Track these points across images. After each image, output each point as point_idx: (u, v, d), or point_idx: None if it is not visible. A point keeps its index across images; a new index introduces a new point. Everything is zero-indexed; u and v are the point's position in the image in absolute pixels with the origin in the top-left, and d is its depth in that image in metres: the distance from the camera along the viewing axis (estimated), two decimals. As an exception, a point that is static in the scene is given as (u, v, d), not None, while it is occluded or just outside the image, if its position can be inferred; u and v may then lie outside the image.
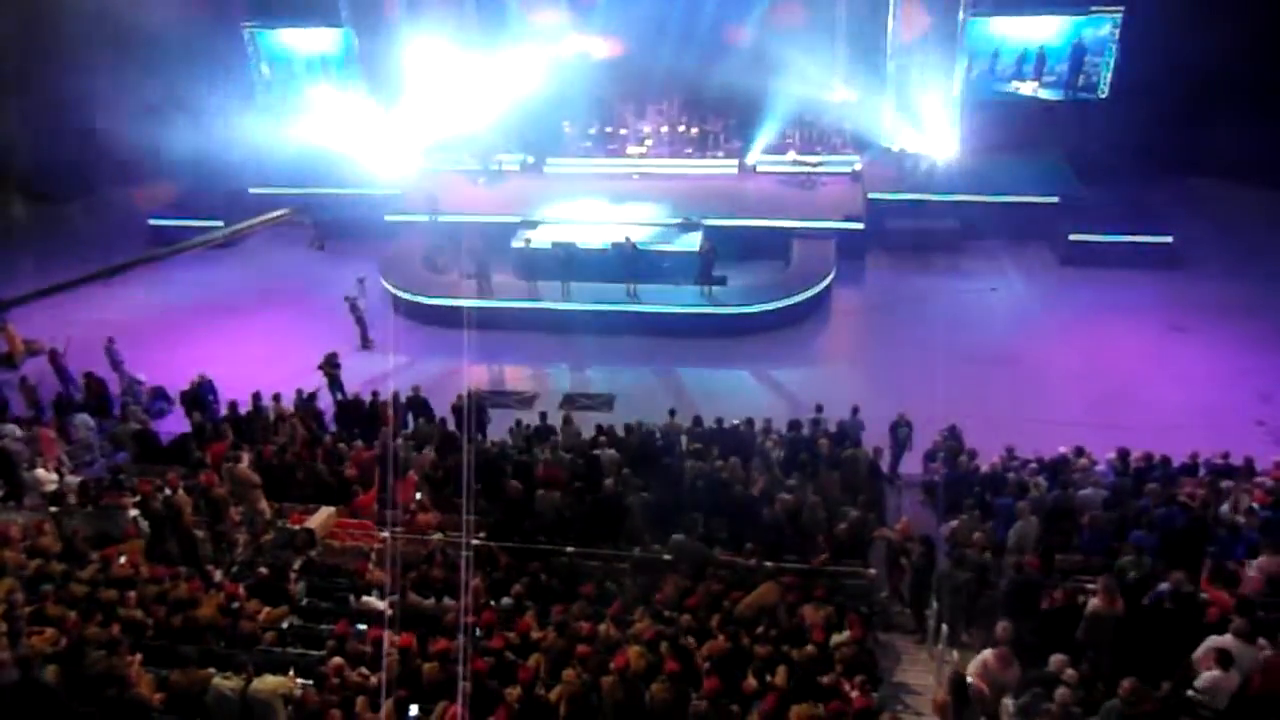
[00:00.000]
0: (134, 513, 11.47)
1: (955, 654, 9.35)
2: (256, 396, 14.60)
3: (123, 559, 10.48)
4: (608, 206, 22.60)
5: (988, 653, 8.33)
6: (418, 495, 11.80)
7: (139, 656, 8.68)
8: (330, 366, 16.00)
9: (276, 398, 14.71)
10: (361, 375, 16.56)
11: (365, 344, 18.77)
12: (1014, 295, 19.68)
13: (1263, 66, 20.56)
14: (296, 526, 11.29)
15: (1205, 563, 9.74)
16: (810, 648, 8.41)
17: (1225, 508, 10.66)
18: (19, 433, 13.88)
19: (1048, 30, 23.18)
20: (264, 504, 11.88)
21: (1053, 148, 23.63)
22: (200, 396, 15.34)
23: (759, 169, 24.38)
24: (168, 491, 11.60)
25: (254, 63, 26.43)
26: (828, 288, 20.02)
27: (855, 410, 13.32)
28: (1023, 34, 23.29)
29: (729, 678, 8.08)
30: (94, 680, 8.21)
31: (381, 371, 16.73)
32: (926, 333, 18.08)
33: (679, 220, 21.57)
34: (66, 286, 19.43)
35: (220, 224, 23.29)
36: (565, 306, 19.48)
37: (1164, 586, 8.95)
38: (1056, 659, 8.08)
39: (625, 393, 16.89)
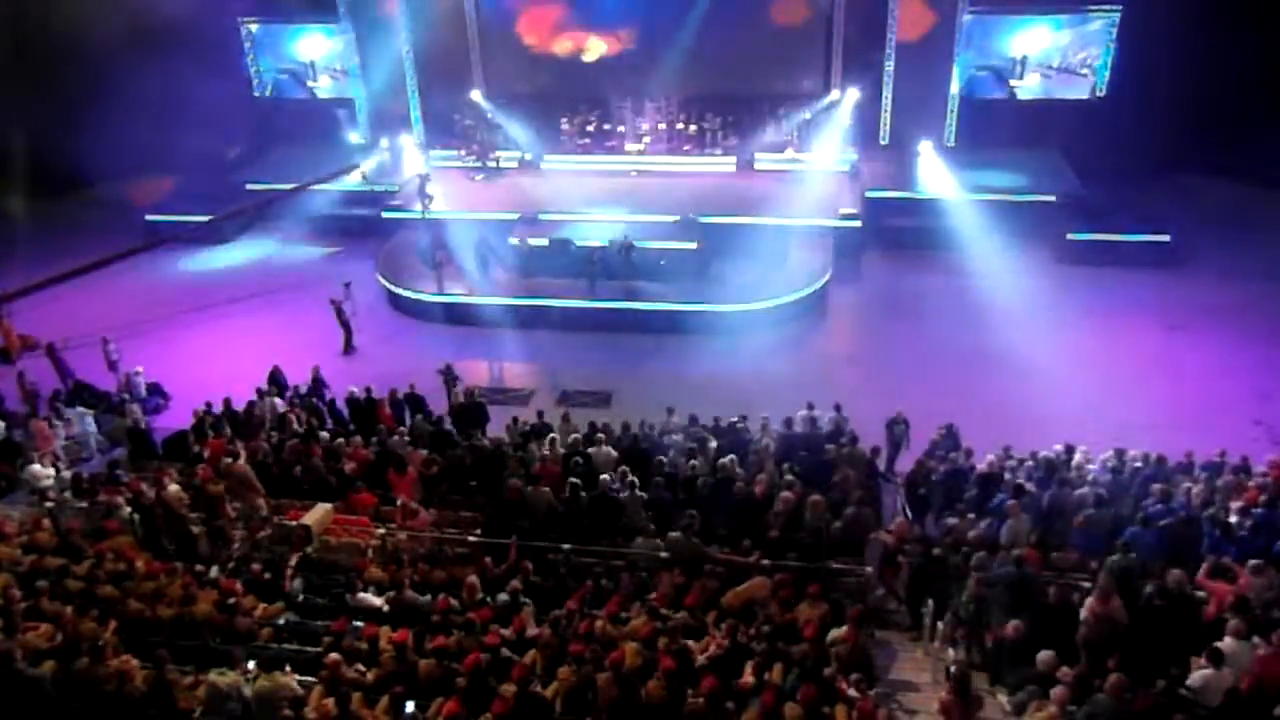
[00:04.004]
0: (127, 510, 11.44)
1: (951, 652, 9.36)
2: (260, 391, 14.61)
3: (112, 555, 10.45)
4: (605, 203, 22.56)
5: None
6: (399, 501, 11.72)
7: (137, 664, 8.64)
8: (450, 374, 15.99)
9: (265, 394, 14.72)
10: (357, 373, 16.50)
11: (349, 348, 18.71)
12: (1011, 293, 19.66)
13: (1261, 65, 20.58)
14: (293, 522, 11.27)
15: (1202, 562, 9.73)
16: (805, 645, 8.41)
17: (1220, 507, 10.66)
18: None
19: (1046, 29, 23.20)
20: (261, 501, 11.85)
21: (1050, 146, 23.63)
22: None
23: (757, 166, 24.37)
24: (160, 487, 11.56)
25: (251, 59, 26.38)
26: (824, 286, 20.01)
27: (838, 407, 13.28)
28: (1021, 32, 23.30)
29: (725, 675, 8.08)
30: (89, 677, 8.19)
31: (377, 369, 16.67)
32: (923, 331, 18.08)
33: (676, 218, 21.55)
34: (62, 279, 19.43)
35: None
36: (562, 303, 19.46)
37: (1159, 585, 8.94)
38: (1044, 656, 8.06)
39: (622, 390, 16.88)
